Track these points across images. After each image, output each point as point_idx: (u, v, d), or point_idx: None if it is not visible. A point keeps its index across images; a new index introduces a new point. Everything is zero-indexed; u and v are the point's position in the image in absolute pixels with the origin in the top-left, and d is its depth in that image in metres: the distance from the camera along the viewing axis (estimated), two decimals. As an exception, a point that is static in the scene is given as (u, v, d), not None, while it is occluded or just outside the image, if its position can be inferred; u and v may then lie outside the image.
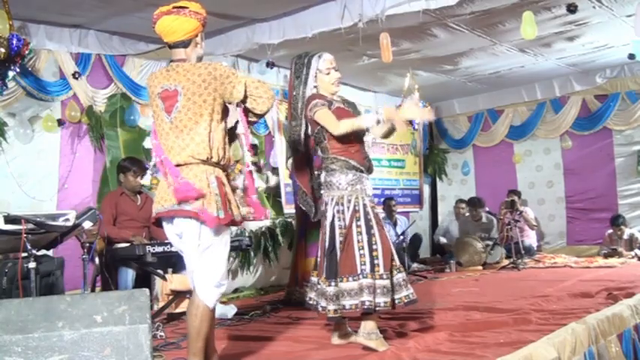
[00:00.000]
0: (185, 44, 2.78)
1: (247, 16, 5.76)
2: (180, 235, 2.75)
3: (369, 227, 3.22)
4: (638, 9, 5.36)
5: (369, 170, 3.44)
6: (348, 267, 3.19)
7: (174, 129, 2.70)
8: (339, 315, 3.23)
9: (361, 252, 3.19)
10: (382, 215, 6.97)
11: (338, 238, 3.26)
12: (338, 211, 3.28)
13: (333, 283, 3.21)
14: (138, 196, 4.88)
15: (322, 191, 3.43)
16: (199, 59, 2.85)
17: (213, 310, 2.78)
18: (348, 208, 3.26)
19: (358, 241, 3.21)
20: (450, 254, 7.90)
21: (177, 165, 2.69)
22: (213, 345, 2.94)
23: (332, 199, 3.31)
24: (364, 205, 3.26)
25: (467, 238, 7.60)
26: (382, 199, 8.31)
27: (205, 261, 2.71)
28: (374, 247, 3.20)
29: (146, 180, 4.82)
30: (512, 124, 9.49)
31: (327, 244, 3.28)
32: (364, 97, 8.84)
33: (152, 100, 2.85)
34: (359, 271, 3.16)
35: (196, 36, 2.81)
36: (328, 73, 3.46)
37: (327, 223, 3.30)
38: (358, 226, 3.22)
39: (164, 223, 2.80)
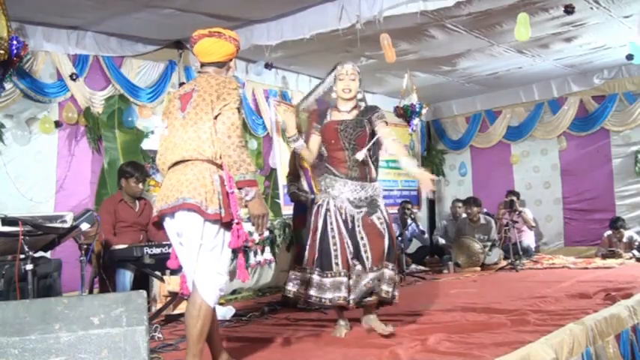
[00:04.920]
0: (219, 65, 2.94)
1: (245, 17, 5.76)
2: (181, 233, 2.78)
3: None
4: None
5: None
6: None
7: (185, 124, 2.81)
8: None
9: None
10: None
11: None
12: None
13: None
14: (137, 202, 4.86)
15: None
16: None
17: (214, 310, 2.81)
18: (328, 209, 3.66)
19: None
20: (448, 255, 7.90)
21: (183, 161, 2.76)
22: (220, 344, 3.00)
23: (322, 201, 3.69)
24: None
25: (465, 239, 7.59)
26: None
27: (209, 260, 2.74)
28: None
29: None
30: (509, 124, 9.51)
31: None
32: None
33: (169, 104, 2.99)
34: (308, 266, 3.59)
35: (230, 60, 2.97)
36: (341, 79, 3.69)
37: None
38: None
39: (167, 220, 2.83)
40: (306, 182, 5.16)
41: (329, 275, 3.50)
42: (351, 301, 3.45)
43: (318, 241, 3.56)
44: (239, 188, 2.73)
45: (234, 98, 2.74)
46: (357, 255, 3.51)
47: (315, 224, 3.62)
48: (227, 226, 2.75)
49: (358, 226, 3.55)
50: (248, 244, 5.24)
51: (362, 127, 3.66)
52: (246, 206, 2.80)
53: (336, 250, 3.52)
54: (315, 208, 3.68)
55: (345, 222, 3.56)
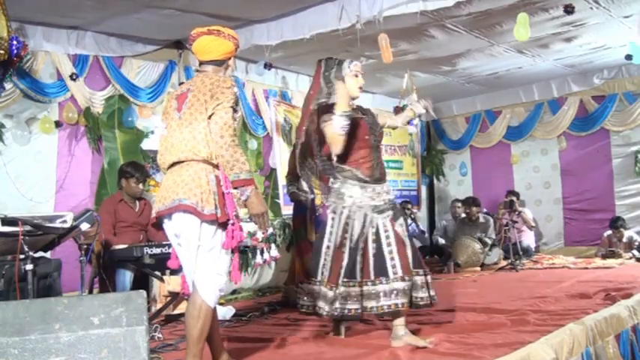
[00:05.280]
0: (218, 64, 2.90)
1: (245, 17, 5.76)
2: (179, 234, 2.78)
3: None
4: None
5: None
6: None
7: (181, 125, 2.80)
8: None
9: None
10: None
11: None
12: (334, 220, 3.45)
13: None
14: (137, 202, 4.87)
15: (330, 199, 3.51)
16: None
17: (214, 310, 2.81)
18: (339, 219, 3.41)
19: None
20: (448, 255, 7.90)
21: (179, 162, 2.77)
22: (221, 344, 3.00)
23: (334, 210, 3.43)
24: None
25: (465, 239, 7.59)
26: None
27: (208, 261, 2.73)
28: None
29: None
30: (509, 125, 9.50)
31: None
32: (362, 98, 8.82)
33: (167, 105, 2.99)
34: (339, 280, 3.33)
35: (229, 58, 2.93)
36: (357, 76, 3.51)
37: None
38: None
39: (165, 221, 2.83)
40: (305, 182, 5.16)
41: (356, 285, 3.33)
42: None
43: (347, 253, 3.33)
44: (235, 188, 2.71)
45: (227, 97, 2.71)
46: (381, 266, 3.29)
47: (342, 237, 3.34)
48: (224, 226, 2.75)
49: (386, 231, 3.33)
50: (249, 244, 5.24)
51: (378, 123, 3.62)
52: (246, 206, 2.80)
53: (361, 263, 3.33)
54: (338, 217, 3.38)
55: (366, 232, 3.34)
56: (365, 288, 3.30)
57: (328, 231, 3.42)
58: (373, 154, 3.47)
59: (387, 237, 3.33)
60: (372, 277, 3.29)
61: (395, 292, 3.24)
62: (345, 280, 3.31)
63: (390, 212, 3.40)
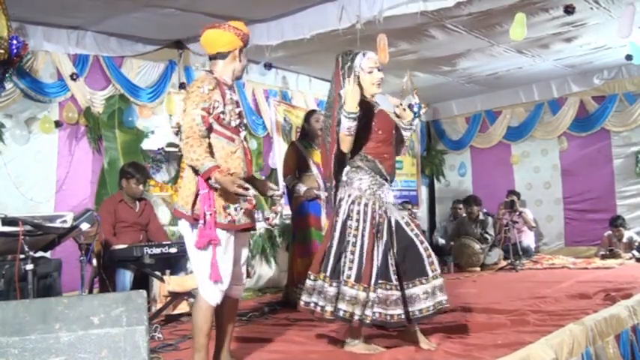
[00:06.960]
0: (223, 56, 2.93)
1: (245, 17, 5.72)
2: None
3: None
4: (624, 11, 5.40)
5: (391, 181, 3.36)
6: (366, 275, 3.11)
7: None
8: (328, 318, 3.14)
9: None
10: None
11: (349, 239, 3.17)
12: (352, 211, 3.17)
13: (335, 284, 3.14)
14: (137, 202, 4.87)
15: (340, 187, 3.27)
16: (237, 73, 2.99)
17: (233, 311, 3.02)
18: (365, 212, 3.17)
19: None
20: (447, 255, 7.90)
21: None
22: (226, 343, 3.03)
23: (349, 197, 3.20)
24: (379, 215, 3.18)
25: (465, 240, 7.59)
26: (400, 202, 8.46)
27: (204, 261, 2.80)
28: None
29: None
30: (509, 125, 9.50)
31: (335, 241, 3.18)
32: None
33: None
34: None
35: (234, 49, 2.93)
36: (370, 72, 3.30)
37: (340, 220, 3.19)
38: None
39: None
40: (321, 178, 4.97)
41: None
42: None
43: (378, 252, 3.13)
44: (205, 181, 2.76)
45: (189, 102, 2.79)
46: (420, 265, 3.16)
47: (371, 233, 3.13)
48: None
49: (413, 229, 3.22)
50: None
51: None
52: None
53: (393, 264, 3.16)
54: (363, 209, 3.16)
55: (393, 228, 3.20)
56: (407, 291, 3.12)
57: (349, 224, 3.16)
58: (394, 154, 3.37)
59: (417, 235, 3.21)
60: (412, 278, 3.13)
61: (439, 289, 3.13)
62: (381, 282, 3.09)
63: (405, 212, 3.36)
